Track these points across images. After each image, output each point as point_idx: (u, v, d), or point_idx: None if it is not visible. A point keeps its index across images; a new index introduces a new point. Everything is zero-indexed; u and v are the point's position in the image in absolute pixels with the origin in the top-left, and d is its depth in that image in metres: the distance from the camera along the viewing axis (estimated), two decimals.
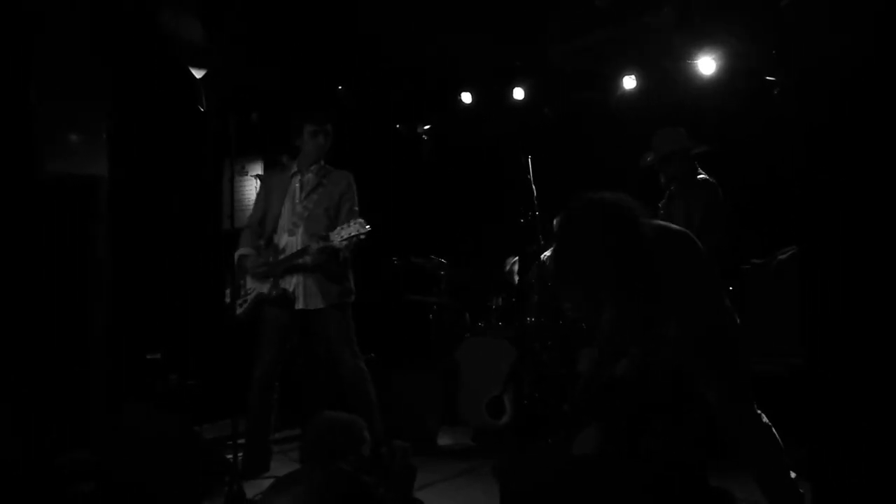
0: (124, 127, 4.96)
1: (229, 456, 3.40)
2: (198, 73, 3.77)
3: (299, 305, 3.88)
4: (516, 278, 5.68)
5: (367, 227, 3.69)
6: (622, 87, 5.42)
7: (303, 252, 3.81)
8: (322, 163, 4.05)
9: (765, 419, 2.66)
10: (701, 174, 4.22)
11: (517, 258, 5.61)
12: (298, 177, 4.03)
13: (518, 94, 5.93)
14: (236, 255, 4.00)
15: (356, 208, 3.99)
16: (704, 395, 2.57)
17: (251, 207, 5.72)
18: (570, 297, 3.37)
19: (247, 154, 6.04)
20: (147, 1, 4.48)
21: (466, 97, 6.21)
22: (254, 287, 3.93)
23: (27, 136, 4.38)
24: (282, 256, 3.88)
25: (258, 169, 6.09)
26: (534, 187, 4.55)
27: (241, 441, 3.72)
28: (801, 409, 2.72)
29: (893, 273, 2.18)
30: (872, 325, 2.22)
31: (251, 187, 5.88)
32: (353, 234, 3.68)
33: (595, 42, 5.00)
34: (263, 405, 3.93)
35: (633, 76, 5.36)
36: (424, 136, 6.67)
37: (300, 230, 3.90)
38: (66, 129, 4.63)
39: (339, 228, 3.72)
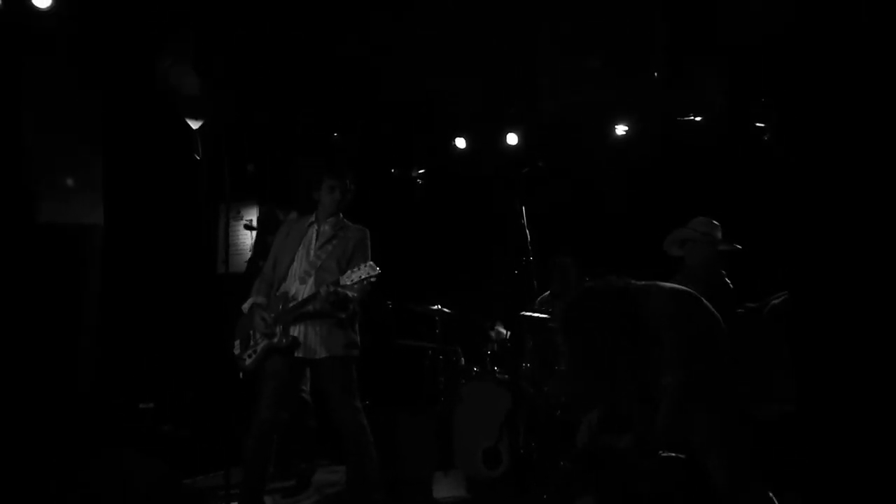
0: (120, 175, 5.00)
1: None
2: (194, 124, 3.82)
3: (299, 354, 3.83)
4: (506, 334, 5.62)
5: (378, 269, 3.65)
6: (614, 136, 5.50)
7: (312, 298, 3.77)
8: (340, 216, 4.06)
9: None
10: (726, 280, 4.14)
11: (497, 328, 5.56)
12: (315, 226, 4.03)
13: (511, 139, 6.01)
14: (247, 304, 3.95)
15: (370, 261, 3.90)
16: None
17: (246, 252, 5.77)
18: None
19: (242, 200, 6.08)
20: (143, 53, 4.55)
21: (460, 142, 6.28)
22: (263, 337, 3.87)
23: (21, 183, 4.41)
24: (291, 304, 3.84)
25: (253, 215, 6.12)
26: (527, 233, 4.57)
27: (234, 492, 3.68)
28: (794, 453, 2.71)
29: (885, 315, 2.19)
30: (865, 369, 2.22)
31: (246, 233, 5.90)
32: (363, 276, 3.64)
33: (586, 97, 5.09)
34: (260, 456, 3.82)
35: (624, 126, 5.44)
36: (419, 181, 6.71)
37: (311, 279, 3.87)
38: (63, 177, 4.67)
39: (349, 272, 3.69)
